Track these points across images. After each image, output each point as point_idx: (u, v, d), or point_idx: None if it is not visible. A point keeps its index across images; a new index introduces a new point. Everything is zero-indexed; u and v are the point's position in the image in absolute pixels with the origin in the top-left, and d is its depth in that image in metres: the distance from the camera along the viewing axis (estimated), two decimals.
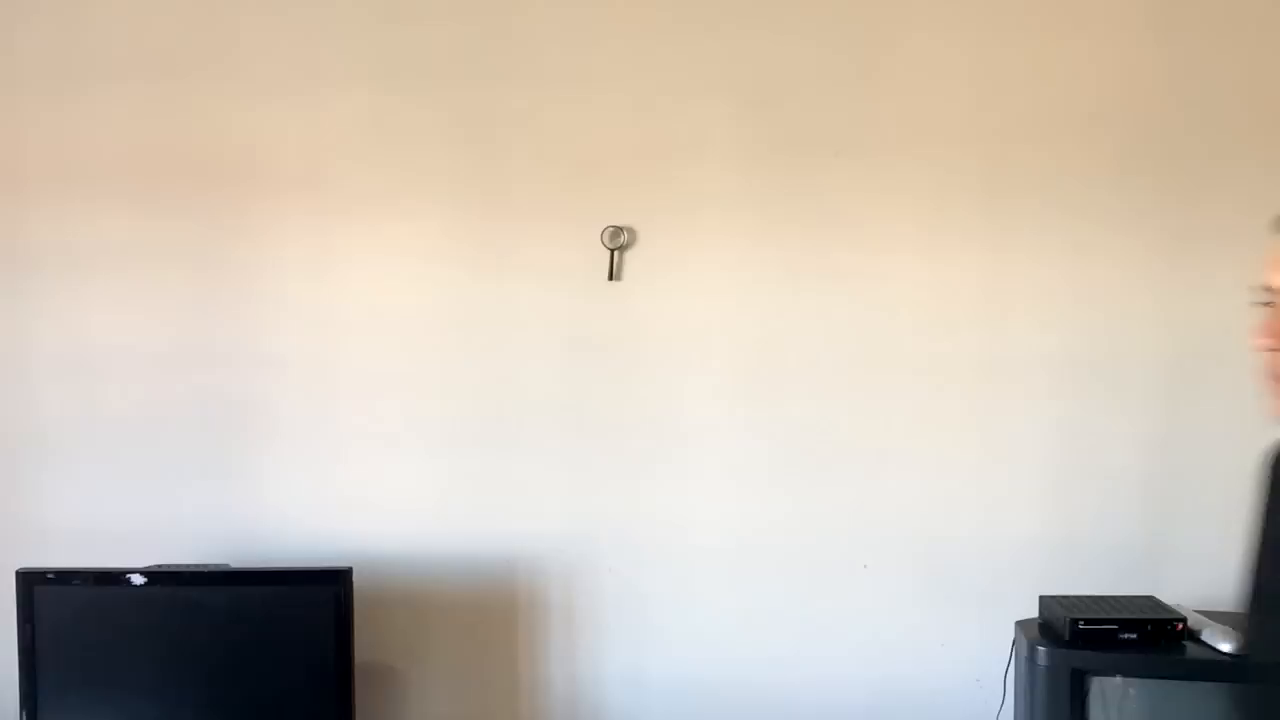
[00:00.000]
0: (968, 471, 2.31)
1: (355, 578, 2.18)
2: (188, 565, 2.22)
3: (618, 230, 2.32)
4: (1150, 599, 2.06)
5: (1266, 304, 1.21)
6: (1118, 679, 1.95)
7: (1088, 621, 1.94)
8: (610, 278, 2.33)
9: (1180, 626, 1.95)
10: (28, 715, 2.18)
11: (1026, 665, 1.98)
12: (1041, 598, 2.08)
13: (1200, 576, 2.18)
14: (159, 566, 2.21)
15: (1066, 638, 1.94)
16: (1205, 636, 1.94)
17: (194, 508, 2.41)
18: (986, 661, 2.14)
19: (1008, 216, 2.28)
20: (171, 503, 2.41)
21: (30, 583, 2.17)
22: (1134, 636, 1.94)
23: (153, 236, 2.40)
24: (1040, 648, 1.95)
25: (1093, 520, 2.28)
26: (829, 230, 2.31)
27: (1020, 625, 2.06)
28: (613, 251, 2.33)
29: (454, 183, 2.36)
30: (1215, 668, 1.89)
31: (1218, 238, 2.22)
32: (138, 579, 2.18)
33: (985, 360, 2.29)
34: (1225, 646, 1.89)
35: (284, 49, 2.36)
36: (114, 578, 2.18)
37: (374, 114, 2.36)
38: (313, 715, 2.19)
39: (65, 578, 2.19)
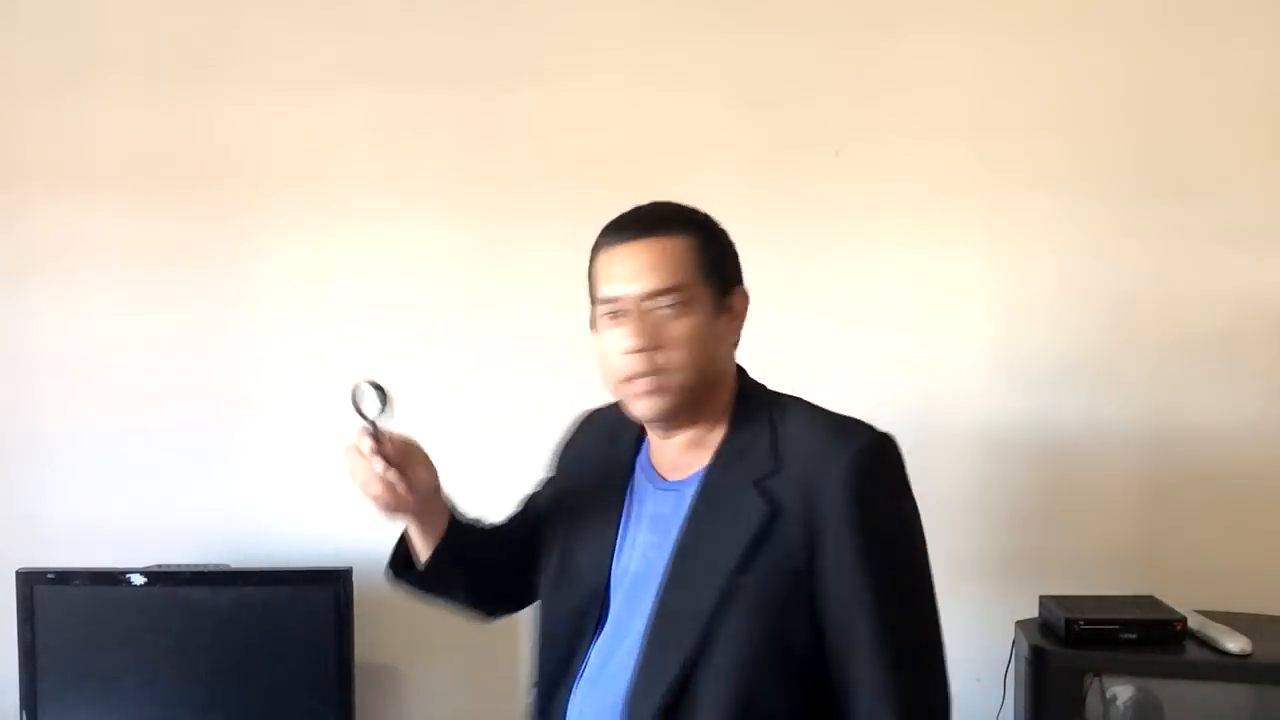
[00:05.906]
0: (968, 471, 2.31)
1: (355, 578, 2.19)
2: (188, 565, 2.23)
3: None
4: (1150, 599, 2.06)
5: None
6: (1118, 679, 1.96)
7: (1088, 621, 1.93)
8: None
9: (1180, 626, 1.95)
10: (28, 715, 2.18)
11: (1026, 665, 1.97)
12: (1041, 598, 2.07)
13: (1200, 576, 2.18)
14: (159, 566, 2.22)
15: (1066, 638, 1.94)
16: (1205, 636, 1.93)
17: (194, 508, 2.41)
18: (986, 661, 2.14)
19: (1009, 216, 2.27)
20: (171, 503, 2.41)
21: (30, 583, 2.18)
22: (1134, 636, 1.93)
23: (153, 235, 2.40)
24: (1040, 648, 1.95)
25: (1093, 520, 2.27)
26: (829, 229, 2.31)
27: (1020, 625, 2.06)
28: None
29: (455, 182, 2.37)
30: (1215, 668, 1.89)
31: (1220, 237, 2.22)
32: (138, 579, 2.18)
33: (985, 359, 2.29)
34: (1231, 646, 1.88)
35: (285, 47, 2.37)
36: (114, 578, 2.18)
37: (375, 113, 2.37)
38: (313, 715, 2.19)
39: (65, 578, 2.19)
